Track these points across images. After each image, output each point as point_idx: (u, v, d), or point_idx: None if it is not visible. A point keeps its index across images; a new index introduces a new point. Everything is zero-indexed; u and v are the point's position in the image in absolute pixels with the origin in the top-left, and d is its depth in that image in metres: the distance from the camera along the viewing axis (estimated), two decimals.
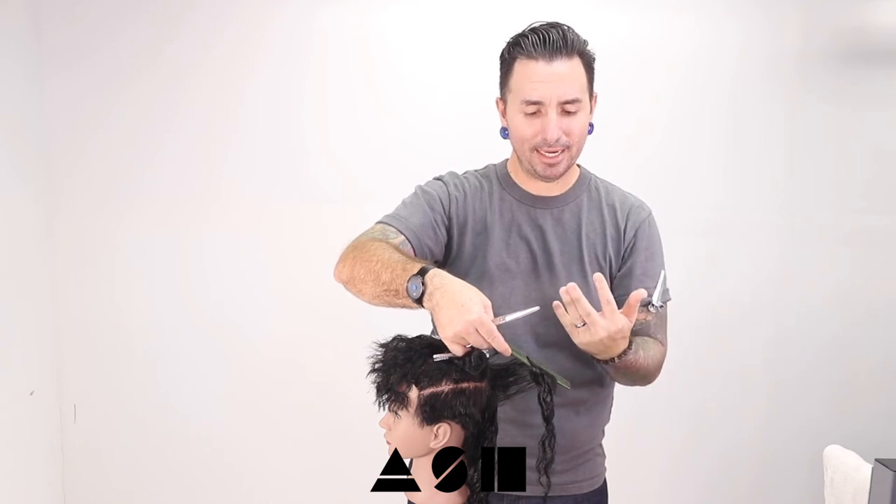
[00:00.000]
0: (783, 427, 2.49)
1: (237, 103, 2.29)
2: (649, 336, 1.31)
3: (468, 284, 1.05)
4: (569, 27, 1.21)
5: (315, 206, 2.32)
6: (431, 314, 1.07)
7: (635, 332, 1.29)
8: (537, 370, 1.08)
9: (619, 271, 1.33)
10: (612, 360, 1.18)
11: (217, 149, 2.30)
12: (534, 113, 1.21)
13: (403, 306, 1.10)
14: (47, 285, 2.29)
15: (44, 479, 2.30)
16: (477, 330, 1.00)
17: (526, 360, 1.08)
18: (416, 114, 2.31)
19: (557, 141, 1.21)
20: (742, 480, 2.52)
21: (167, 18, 2.24)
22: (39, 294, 2.26)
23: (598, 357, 1.19)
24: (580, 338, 1.14)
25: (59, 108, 2.24)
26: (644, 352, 1.24)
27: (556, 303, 1.16)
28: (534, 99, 1.19)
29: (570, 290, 1.12)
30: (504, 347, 1.02)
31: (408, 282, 1.06)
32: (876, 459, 1.25)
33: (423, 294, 1.05)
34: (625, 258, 1.33)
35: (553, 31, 1.19)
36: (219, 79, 2.27)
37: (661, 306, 1.27)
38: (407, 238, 1.24)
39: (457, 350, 1.04)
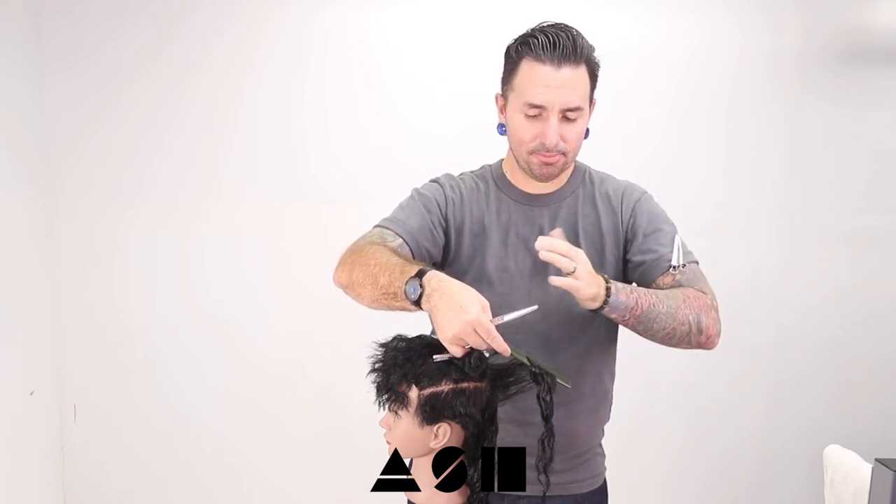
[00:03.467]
0: (783, 427, 2.49)
1: (237, 103, 2.29)
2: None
3: (466, 285, 1.04)
4: (578, 32, 1.20)
5: (315, 206, 2.32)
6: (430, 316, 1.07)
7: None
8: (537, 370, 1.08)
9: (629, 255, 1.30)
10: (605, 304, 1.12)
11: (217, 149, 2.30)
12: (535, 116, 1.21)
13: (402, 309, 1.10)
14: (47, 285, 2.29)
15: (44, 479, 2.31)
16: (475, 330, 1.00)
17: (526, 360, 1.08)
18: (416, 114, 2.31)
19: (556, 146, 1.21)
20: (742, 480, 2.52)
21: (167, 18, 2.24)
22: (39, 294, 2.26)
23: (592, 307, 1.14)
24: (580, 288, 1.10)
25: (59, 108, 2.24)
26: (654, 295, 1.17)
27: (550, 277, 1.12)
28: (537, 103, 1.19)
29: (540, 246, 1.10)
30: (503, 348, 1.02)
31: (405, 284, 1.06)
32: (876, 459, 1.25)
33: (420, 296, 1.05)
34: (630, 240, 1.30)
35: (563, 35, 1.18)
36: (219, 79, 2.27)
37: (684, 266, 1.25)
38: (405, 241, 1.24)
39: (456, 351, 1.03)
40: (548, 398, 1.08)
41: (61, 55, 2.23)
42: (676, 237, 1.28)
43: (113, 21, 2.23)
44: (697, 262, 1.30)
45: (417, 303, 1.06)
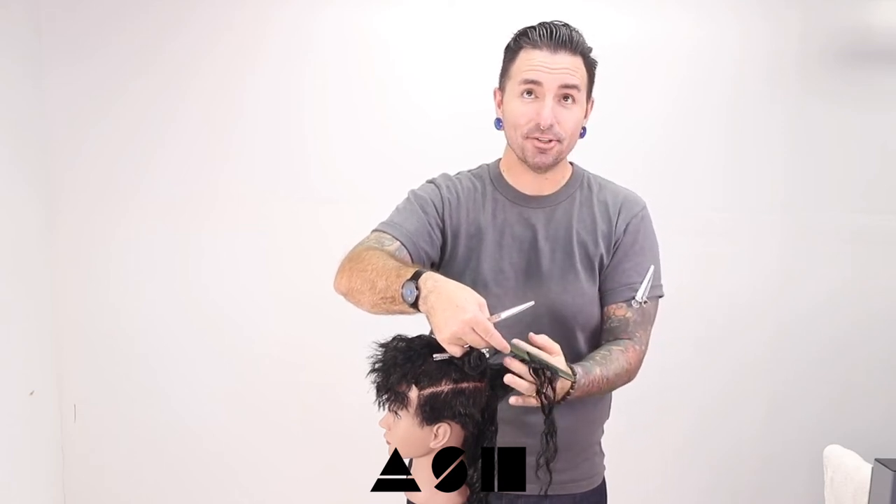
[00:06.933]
0: (783, 427, 2.49)
1: (236, 103, 2.28)
2: (625, 336, 1.28)
3: (462, 285, 1.04)
4: (577, 30, 1.22)
5: (314, 207, 2.31)
6: (427, 318, 1.06)
7: (612, 330, 1.29)
8: (537, 365, 1.08)
9: (608, 266, 1.31)
10: (567, 395, 1.13)
11: (216, 149, 2.30)
12: (531, 95, 1.21)
13: (401, 312, 1.10)
14: (47, 285, 2.29)
15: (44, 479, 2.30)
16: (473, 329, 0.99)
17: (526, 356, 1.08)
18: (416, 114, 2.30)
19: (550, 128, 1.21)
20: (742, 480, 2.52)
21: (167, 18, 2.24)
22: (39, 294, 2.26)
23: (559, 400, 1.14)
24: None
25: (59, 106, 2.24)
26: (603, 368, 1.20)
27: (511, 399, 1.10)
28: (532, 78, 1.20)
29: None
30: (503, 345, 1.02)
31: (402, 287, 1.06)
32: (876, 459, 1.26)
33: (417, 298, 1.05)
34: (614, 252, 1.31)
35: (562, 28, 1.21)
36: (218, 79, 2.27)
37: (645, 302, 1.27)
38: (402, 244, 1.24)
39: (455, 351, 1.03)
40: (549, 393, 1.08)
41: (61, 54, 2.23)
42: (651, 268, 1.29)
43: (113, 20, 2.23)
44: (662, 295, 1.33)
45: (415, 305, 1.05)
